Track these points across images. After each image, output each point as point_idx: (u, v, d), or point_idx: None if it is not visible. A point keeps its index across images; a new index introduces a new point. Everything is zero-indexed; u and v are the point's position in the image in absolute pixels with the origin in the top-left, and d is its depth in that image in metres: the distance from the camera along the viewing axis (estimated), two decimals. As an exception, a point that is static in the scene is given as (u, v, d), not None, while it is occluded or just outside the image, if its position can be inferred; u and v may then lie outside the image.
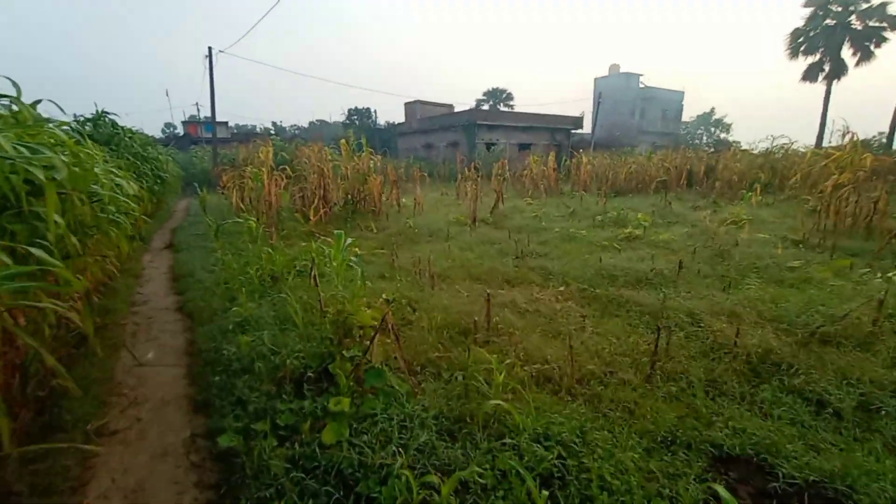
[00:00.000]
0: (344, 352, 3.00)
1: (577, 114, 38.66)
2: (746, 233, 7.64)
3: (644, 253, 6.64)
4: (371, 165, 10.88)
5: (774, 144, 16.52)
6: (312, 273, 3.66)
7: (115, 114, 9.74)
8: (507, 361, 3.08)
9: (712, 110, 49.41)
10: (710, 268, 5.81)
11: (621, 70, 44.03)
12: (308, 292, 4.43)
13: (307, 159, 11.23)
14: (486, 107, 49.57)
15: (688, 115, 46.22)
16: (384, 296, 4.38)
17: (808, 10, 26.66)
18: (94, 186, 3.81)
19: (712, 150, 24.18)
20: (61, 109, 4.55)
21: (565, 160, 22.60)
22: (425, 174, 16.29)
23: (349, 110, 52.12)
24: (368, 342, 2.93)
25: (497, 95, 61.87)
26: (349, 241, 4.15)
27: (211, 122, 24.47)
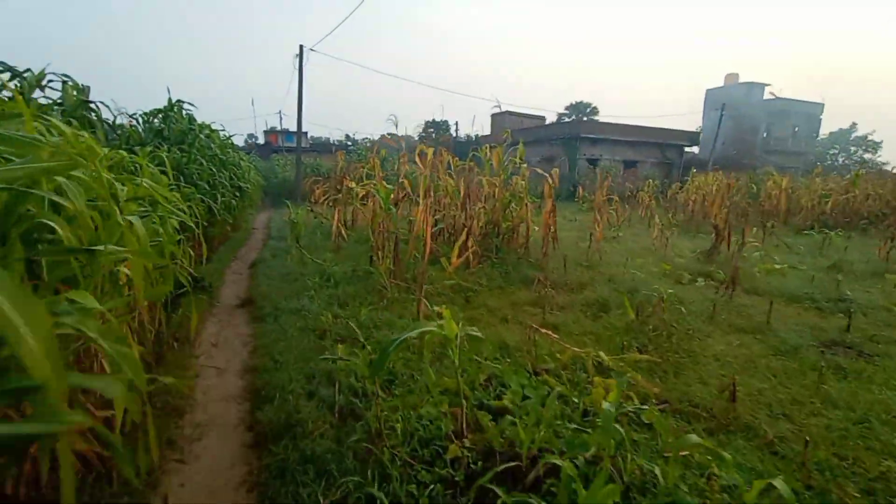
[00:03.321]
0: None
1: (691, 129, 33.42)
2: None
3: None
4: (523, 184, 7.52)
5: None
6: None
7: (191, 104, 7.22)
8: None
9: (853, 126, 41.47)
10: None
11: (740, 80, 38.19)
12: None
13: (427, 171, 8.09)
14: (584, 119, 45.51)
15: (826, 130, 39.02)
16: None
17: None
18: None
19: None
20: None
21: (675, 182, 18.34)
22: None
23: (426, 122, 50.31)
24: None
25: (581, 109, 57.51)
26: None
27: (293, 131, 22.83)
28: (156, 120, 6.79)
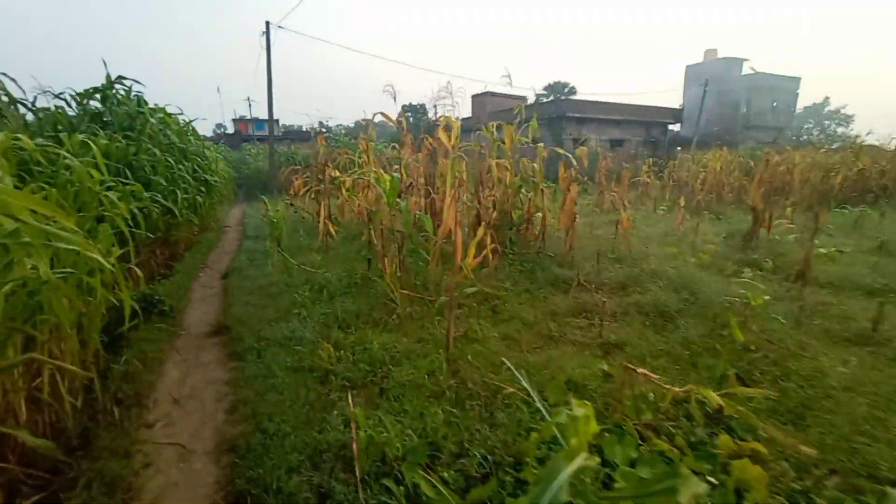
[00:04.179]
0: None
1: (672, 106, 32.90)
2: None
3: None
4: (536, 167, 6.55)
5: None
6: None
7: (137, 82, 5.91)
8: None
9: (825, 100, 41.91)
10: None
11: (719, 55, 37.88)
12: None
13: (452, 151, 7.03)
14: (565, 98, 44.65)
15: (803, 106, 39.22)
16: None
17: None
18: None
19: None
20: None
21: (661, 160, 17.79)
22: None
23: (402, 107, 48.63)
24: None
25: (559, 90, 56.66)
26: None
27: (263, 119, 21.18)
28: (92, 102, 5.50)
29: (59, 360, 2.11)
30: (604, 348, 3.51)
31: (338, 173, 8.91)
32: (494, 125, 6.57)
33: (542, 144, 6.52)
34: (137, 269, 3.21)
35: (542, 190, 6.51)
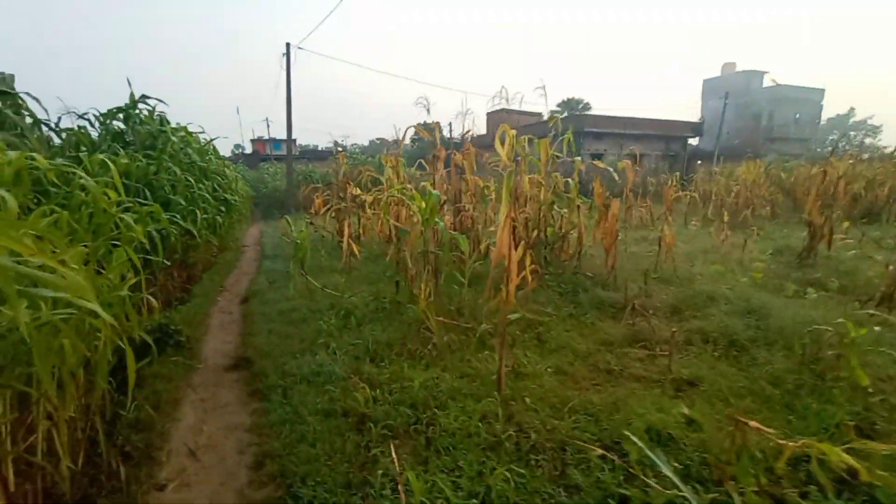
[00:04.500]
0: None
1: (691, 120, 32.34)
2: None
3: None
4: (572, 183, 6.18)
5: None
6: None
7: (160, 101, 5.77)
8: None
9: (851, 111, 40.85)
10: None
11: (738, 69, 37.38)
12: None
13: (510, 165, 6.72)
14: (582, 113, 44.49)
15: (825, 116, 38.25)
16: None
17: None
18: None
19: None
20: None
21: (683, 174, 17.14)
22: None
23: (417, 125, 48.96)
24: None
25: (573, 106, 56.60)
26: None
27: (280, 139, 21.35)
28: (115, 122, 5.35)
29: (57, 414, 1.77)
30: (675, 385, 3.05)
31: (359, 191, 8.69)
32: (526, 139, 6.25)
33: (579, 158, 6.16)
34: (152, 299, 2.90)
35: (578, 207, 6.11)
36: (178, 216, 5.00)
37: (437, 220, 3.69)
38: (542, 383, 3.10)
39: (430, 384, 3.04)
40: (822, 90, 35.27)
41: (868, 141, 38.20)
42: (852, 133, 40.46)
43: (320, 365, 3.36)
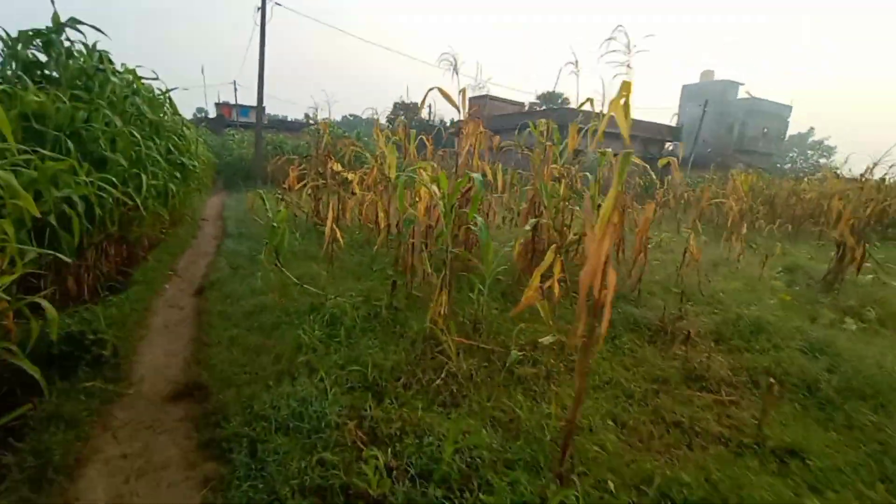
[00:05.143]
0: None
1: (669, 123, 32.62)
2: None
3: None
4: (591, 179, 5.46)
5: None
6: None
7: (98, 30, 4.49)
8: None
9: (810, 130, 42.71)
10: None
11: (716, 77, 38.09)
12: None
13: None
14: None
15: (789, 134, 39.74)
16: None
17: None
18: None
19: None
20: None
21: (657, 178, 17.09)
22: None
23: (395, 104, 47.09)
24: None
25: (552, 99, 56.36)
26: None
27: (248, 105, 19.52)
28: (31, 50, 4.07)
29: None
30: (775, 457, 2.38)
31: (340, 167, 7.63)
32: (549, 123, 5.47)
33: (610, 150, 5.42)
34: (45, 302, 1.90)
35: (598, 206, 5.39)
36: (115, 179, 3.86)
37: (474, 215, 2.82)
38: (604, 442, 2.36)
39: (456, 434, 2.21)
40: (790, 107, 36.57)
41: (822, 161, 40.09)
42: (809, 152, 42.40)
43: (303, 401, 2.45)
